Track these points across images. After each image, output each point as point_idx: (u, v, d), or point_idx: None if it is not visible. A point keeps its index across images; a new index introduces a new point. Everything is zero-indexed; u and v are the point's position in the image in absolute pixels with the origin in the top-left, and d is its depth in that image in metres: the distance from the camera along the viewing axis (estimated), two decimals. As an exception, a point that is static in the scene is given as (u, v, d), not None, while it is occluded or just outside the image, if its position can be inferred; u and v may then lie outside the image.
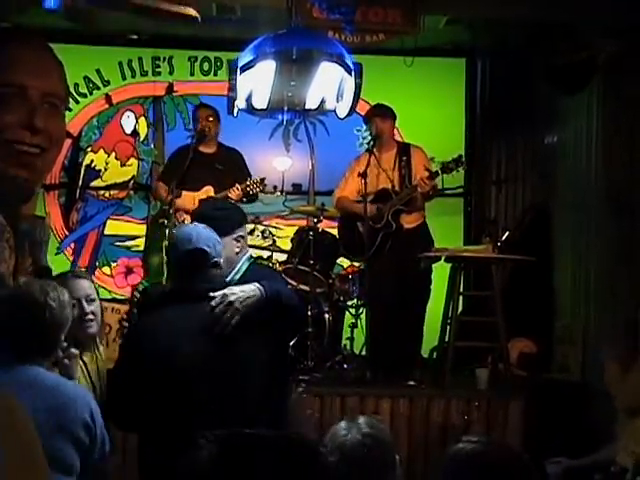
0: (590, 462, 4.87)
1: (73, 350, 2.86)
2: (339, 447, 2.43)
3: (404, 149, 6.61)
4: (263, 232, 6.90)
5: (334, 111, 4.94)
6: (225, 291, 3.29)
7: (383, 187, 6.47)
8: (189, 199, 6.47)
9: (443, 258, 6.42)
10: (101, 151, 8.26)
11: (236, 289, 3.32)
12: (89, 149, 8.22)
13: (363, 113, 6.87)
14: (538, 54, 6.90)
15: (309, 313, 6.18)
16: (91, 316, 3.37)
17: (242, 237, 3.79)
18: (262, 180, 6.65)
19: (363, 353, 6.56)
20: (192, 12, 5.77)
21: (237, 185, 6.53)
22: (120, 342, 3.70)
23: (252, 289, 3.33)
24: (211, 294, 3.28)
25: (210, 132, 6.75)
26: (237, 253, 3.73)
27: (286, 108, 4.84)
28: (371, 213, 6.34)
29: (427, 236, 6.56)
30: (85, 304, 3.35)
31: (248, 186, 6.56)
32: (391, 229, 6.38)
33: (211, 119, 6.79)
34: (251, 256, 3.92)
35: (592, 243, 6.52)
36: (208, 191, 6.59)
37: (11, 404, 1.31)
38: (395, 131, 6.93)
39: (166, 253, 3.53)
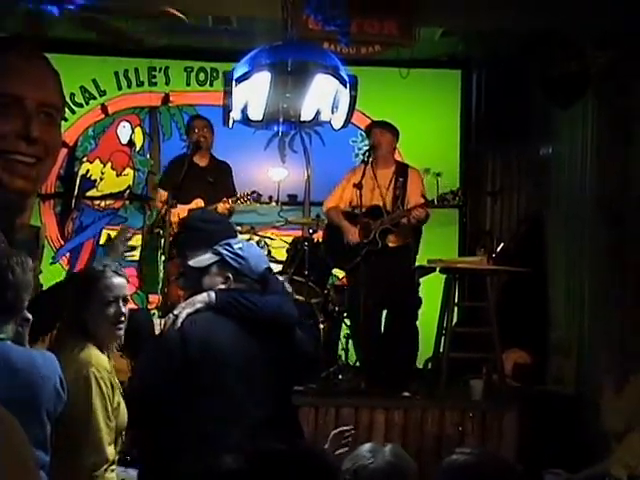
0: (586, 477, 4.88)
1: (27, 314, 2.69)
2: (359, 470, 2.42)
3: (402, 170, 6.58)
4: (258, 242, 6.91)
5: (329, 123, 4.95)
6: None
7: (376, 204, 6.45)
8: (179, 211, 6.48)
9: (438, 269, 6.43)
10: (97, 161, 8.27)
11: None
12: (85, 159, 8.23)
13: (363, 126, 6.88)
14: (533, 66, 6.93)
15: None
16: (123, 318, 3.27)
17: None
18: (252, 193, 6.66)
19: (358, 364, 6.56)
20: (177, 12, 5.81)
21: (226, 199, 6.54)
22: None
23: None
24: None
25: (205, 143, 6.77)
26: None
27: (281, 120, 4.85)
28: (354, 239, 6.34)
29: (410, 256, 6.51)
30: (122, 305, 3.27)
31: (238, 199, 6.58)
32: (377, 247, 6.34)
33: (206, 130, 6.81)
34: None
35: (586, 254, 6.53)
36: (198, 203, 6.60)
37: (2, 415, 1.31)
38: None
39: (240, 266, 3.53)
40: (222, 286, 3.48)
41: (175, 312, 3.38)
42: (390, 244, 6.42)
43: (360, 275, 6.28)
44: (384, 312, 6.46)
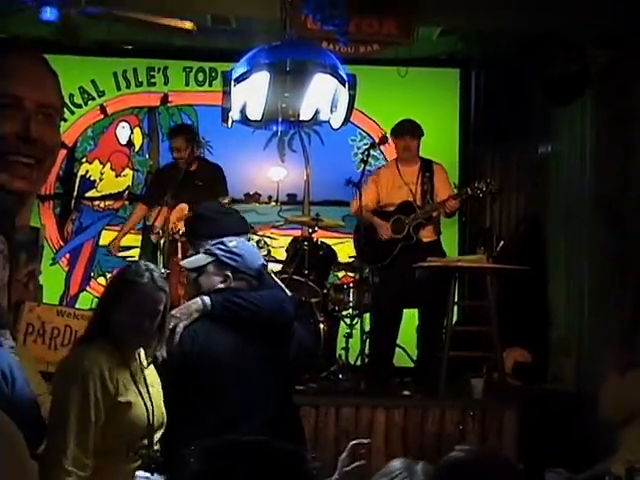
0: (589, 476, 4.87)
1: None
2: None
3: (427, 165, 6.71)
4: (258, 242, 6.90)
5: (328, 122, 4.95)
6: None
7: (406, 200, 6.54)
8: (162, 216, 6.51)
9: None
10: (96, 162, 8.27)
11: None
12: (84, 160, 8.23)
13: (364, 126, 6.87)
14: (532, 65, 6.93)
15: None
16: (152, 333, 3.02)
17: None
18: (232, 200, 6.71)
19: (358, 363, 6.55)
20: (188, 25, 5.79)
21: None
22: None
23: None
24: None
25: (184, 162, 6.80)
26: None
27: (280, 119, 4.85)
28: (387, 234, 6.49)
29: (441, 250, 6.67)
30: (154, 318, 3.01)
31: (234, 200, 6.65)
32: (411, 241, 6.46)
33: (183, 148, 6.86)
34: None
35: (586, 253, 6.53)
36: (183, 209, 6.59)
37: (3, 419, 1.31)
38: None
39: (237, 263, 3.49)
40: (221, 285, 3.47)
41: (171, 324, 3.29)
42: (423, 239, 6.54)
43: (394, 271, 6.45)
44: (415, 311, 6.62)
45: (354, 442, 3.05)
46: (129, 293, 3.00)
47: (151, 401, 3.03)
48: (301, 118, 4.86)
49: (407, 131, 6.70)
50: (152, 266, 3.11)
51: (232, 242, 3.53)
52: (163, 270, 3.26)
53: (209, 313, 3.37)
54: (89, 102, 8.24)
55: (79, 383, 2.85)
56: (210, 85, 8.27)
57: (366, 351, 6.42)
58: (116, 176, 8.27)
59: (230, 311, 3.38)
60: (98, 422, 2.85)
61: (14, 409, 2.35)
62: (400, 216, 6.52)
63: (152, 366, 3.12)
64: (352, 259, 7.07)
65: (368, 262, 6.81)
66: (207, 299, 3.40)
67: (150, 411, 3.00)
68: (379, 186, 6.65)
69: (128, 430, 2.96)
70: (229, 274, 3.45)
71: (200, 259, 3.56)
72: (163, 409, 3.06)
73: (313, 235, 6.77)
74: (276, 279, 3.88)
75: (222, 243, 3.52)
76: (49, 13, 5.52)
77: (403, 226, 6.48)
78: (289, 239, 7.09)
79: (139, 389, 3.01)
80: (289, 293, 3.82)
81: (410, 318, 6.67)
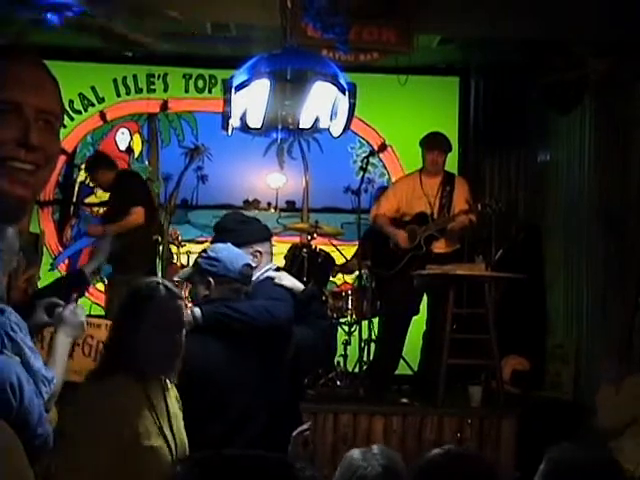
0: None
1: None
2: (360, 478, 2.41)
3: (449, 179, 6.73)
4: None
5: (328, 130, 4.96)
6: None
7: (422, 211, 6.57)
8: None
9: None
10: (95, 168, 8.27)
11: None
12: (83, 166, 8.24)
13: (364, 135, 6.87)
14: (530, 73, 6.94)
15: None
16: (178, 350, 2.81)
17: (260, 252, 3.83)
18: None
19: (356, 370, 6.56)
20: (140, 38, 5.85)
21: None
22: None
23: None
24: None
25: (98, 189, 7.20)
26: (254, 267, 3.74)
27: (280, 127, 4.86)
28: (404, 243, 6.49)
29: (452, 263, 6.54)
30: (177, 334, 2.81)
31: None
32: (420, 251, 6.47)
33: (90, 180, 7.30)
34: (267, 277, 3.87)
35: (584, 261, 6.54)
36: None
37: (2, 428, 1.31)
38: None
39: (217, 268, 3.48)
40: (206, 292, 3.48)
41: None
42: (436, 250, 6.54)
43: (401, 280, 6.43)
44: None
45: (294, 432, 3.06)
46: (149, 310, 2.74)
47: (174, 439, 2.76)
48: (301, 126, 4.87)
49: (437, 145, 6.71)
50: (159, 279, 2.94)
51: (212, 249, 3.55)
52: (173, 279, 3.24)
53: (200, 326, 3.36)
54: (89, 108, 8.25)
55: (95, 426, 2.61)
56: (210, 92, 8.28)
57: (364, 358, 6.42)
58: (115, 182, 8.27)
59: (220, 323, 3.38)
60: (114, 468, 2.58)
61: (21, 421, 2.37)
62: (414, 226, 6.54)
63: (174, 389, 2.89)
64: (346, 261, 7.09)
65: (378, 268, 6.82)
66: (197, 311, 3.40)
67: (174, 451, 2.73)
68: (399, 195, 6.66)
69: (148, 475, 2.67)
70: (210, 280, 3.46)
71: (187, 270, 3.60)
72: (185, 440, 2.84)
73: (312, 242, 6.77)
74: (281, 279, 3.84)
75: (204, 251, 3.55)
76: (56, 18, 5.55)
77: (415, 236, 6.50)
78: (288, 246, 7.09)
79: (162, 429, 2.72)
80: (298, 287, 3.82)
81: (411, 326, 6.66)
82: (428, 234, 6.50)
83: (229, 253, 3.55)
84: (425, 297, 6.61)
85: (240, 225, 3.89)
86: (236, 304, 3.44)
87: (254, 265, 3.72)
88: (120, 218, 6.56)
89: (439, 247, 6.58)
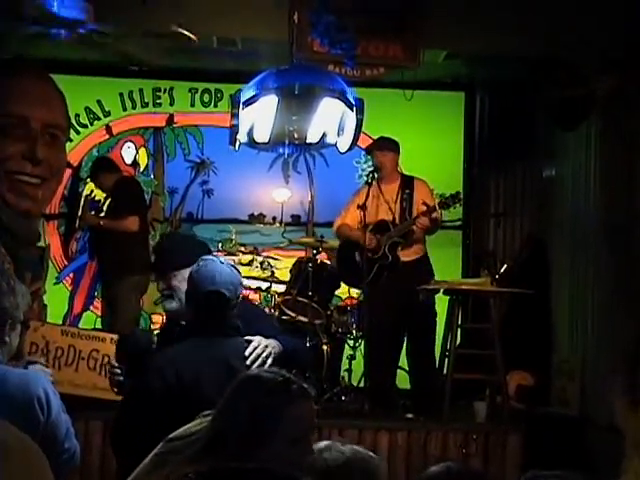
0: None
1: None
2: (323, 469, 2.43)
3: (407, 182, 6.56)
4: (262, 263, 6.92)
5: (335, 145, 4.96)
6: (259, 337, 3.40)
7: (382, 219, 6.45)
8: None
9: (442, 291, 6.42)
10: (101, 181, 8.28)
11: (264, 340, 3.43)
12: (89, 179, 8.24)
13: (364, 146, 6.89)
14: (537, 88, 6.95)
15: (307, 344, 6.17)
16: (310, 459, 2.49)
17: None
18: None
19: (361, 385, 6.54)
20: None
21: None
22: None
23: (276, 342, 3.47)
24: (247, 338, 3.37)
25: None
26: None
27: (287, 142, 4.87)
28: (369, 243, 6.29)
29: (426, 269, 6.50)
30: (312, 440, 2.55)
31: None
32: (387, 261, 6.34)
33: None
34: None
35: (590, 276, 6.52)
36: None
37: (27, 445, 1.30)
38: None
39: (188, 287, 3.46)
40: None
41: None
42: (403, 258, 6.40)
43: (375, 293, 6.28)
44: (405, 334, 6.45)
45: None
46: (284, 415, 2.31)
47: None
48: (308, 141, 4.89)
49: (378, 147, 6.56)
50: (279, 369, 2.47)
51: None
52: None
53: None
54: (95, 122, 8.27)
55: None
56: (215, 106, 8.30)
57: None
58: (121, 196, 8.28)
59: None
60: None
61: (49, 436, 2.32)
62: (377, 235, 6.37)
63: None
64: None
65: (350, 283, 6.79)
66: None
67: None
68: (360, 204, 6.29)
69: None
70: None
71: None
72: None
73: (317, 256, 6.77)
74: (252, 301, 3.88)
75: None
76: (63, 33, 5.57)
77: (379, 246, 6.37)
78: (293, 260, 7.10)
79: None
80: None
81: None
82: (391, 242, 6.35)
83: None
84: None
85: (180, 246, 3.91)
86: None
87: None
88: (116, 222, 6.83)
89: (406, 255, 6.41)
